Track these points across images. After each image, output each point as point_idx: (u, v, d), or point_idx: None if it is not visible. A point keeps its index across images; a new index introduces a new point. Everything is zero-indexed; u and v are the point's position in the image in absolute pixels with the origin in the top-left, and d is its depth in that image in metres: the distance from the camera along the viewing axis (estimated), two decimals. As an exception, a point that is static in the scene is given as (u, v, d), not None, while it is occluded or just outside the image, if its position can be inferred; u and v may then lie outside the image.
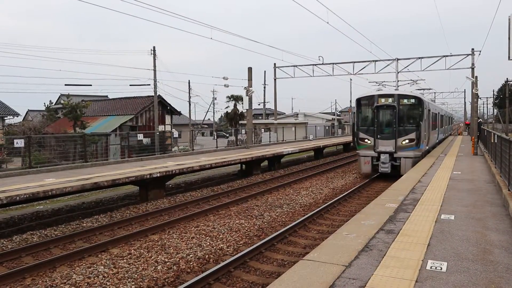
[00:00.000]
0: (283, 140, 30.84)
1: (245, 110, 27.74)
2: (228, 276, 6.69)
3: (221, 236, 8.85)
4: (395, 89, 20.85)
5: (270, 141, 30.21)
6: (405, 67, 29.80)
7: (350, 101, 55.37)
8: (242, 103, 37.23)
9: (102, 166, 14.74)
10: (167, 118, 36.54)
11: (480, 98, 58.88)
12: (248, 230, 9.39)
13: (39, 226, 10.22)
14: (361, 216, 6.91)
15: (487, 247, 5.18)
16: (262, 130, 36.08)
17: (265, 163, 20.76)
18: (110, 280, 6.50)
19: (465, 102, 58.67)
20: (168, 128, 35.08)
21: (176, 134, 24.70)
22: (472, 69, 27.49)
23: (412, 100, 15.90)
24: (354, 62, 31.67)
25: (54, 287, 6.28)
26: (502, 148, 9.71)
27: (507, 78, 49.61)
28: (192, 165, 14.53)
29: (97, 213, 11.40)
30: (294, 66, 33.13)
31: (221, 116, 71.83)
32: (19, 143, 13.59)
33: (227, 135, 48.77)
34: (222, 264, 6.88)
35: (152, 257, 7.52)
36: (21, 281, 6.60)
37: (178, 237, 8.79)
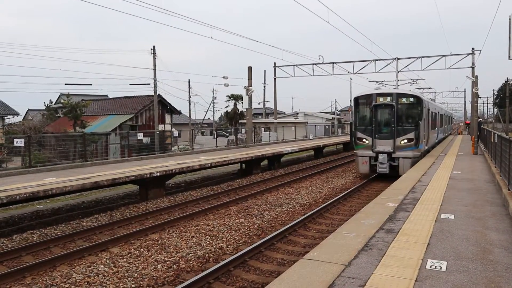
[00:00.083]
0: (283, 139, 30.84)
1: (245, 110, 27.76)
2: (228, 275, 6.69)
3: (221, 235, 8.85)
4: (394, 88, 20.69)
5: (270, 141, 30.21)
6: (405, 67, 29.83)
7: (350, 100, 55.23)
8: (242, 102, 37.30)
9: (102, 165, 14.74)
10: (167, 118, 36.52)
11: (480, 97, 58.93)
12: (248, 229, 9.40)
13: (39, 225, 10.22)
14: (361, 215, 6.91)
15: (487, 247, 5.18)
16: (262, 129, 36.04)
17: (265, 162, 20.76)
18: (110, 279, 6.50)
19: (465, 102, 58.74)
20: (168, 127, 35.07)
21: (176, 133, 24.71)
22: (472, 68, 27.50)
23: (411, 99, 15.57)
24: (354, 61, 31.71)
25: (54, 286, 6.28)
26: (502, 148, 9.71)
27: (507, 78, 49.63)
28: (192, 165, 14.53)
29: (97, 212, 11.40)
30: (294, 65, 33.16)
31: (221, 115, 71.84)
32: (19, 142, 13.59)
33: (227, 134, 48.80)
34: (222, 263, 6.88)
35: (152, 256, 7.52)
36: (21, 280, 6.60)
37: (178, 236, 8.80)
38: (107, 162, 15.83)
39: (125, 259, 7.39)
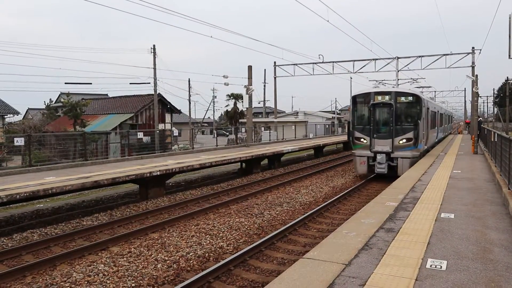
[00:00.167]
0: (283, 138, 30.84)
1: (245, 109, 27.76)
2: (228, 274, 6.69)
3: (221, 235, 8.85)
4: (393, 87, 20.50)
5: (270, 140, 30.23)
6: (405, 66, 29.83)
7: (350, 99, 55.27)
8: (242, 101, 37.26)
9: (102, 165, 14.74)
10: (167, 117, 36.52)
11: (480, 96, 58.85)
12: (248, 228, 9.40)
13: (39, 225, 10.22)
14: (361, 215, 6.92)
15: (487, 246, 5.18)
16: (262, 128, 36.04)
17: (265, 161, 20.77)
18: (110, 278, 6.51)
19: (465, 101, 58.77)
20: (168, 126, 35.07)
21: (176, 132, 24.69)
22: (473, 67, 27.50)
23: (410, 98, 15.23)
24: (354, 60, 31.71)
25: (54, 285, 6.29)
26: (502, 147, 9.71)
27: (507, 77, 49.60)
28: (192, 164, 14.53)
29: (97, 212, 11.41)
30: (294, 64, 33.17)
31: (221, 114, 71.81)
32: (19, 141, 13.59)
33: (227, 133, 48.75)
34: (222, 262, 6.88)
35: (152, 256, 7.53)
36: (22, 279, 6.61)
37: (178, 236, 8.80)
38: (107, 161, 15.83)
39: (125, 258, 7.39)
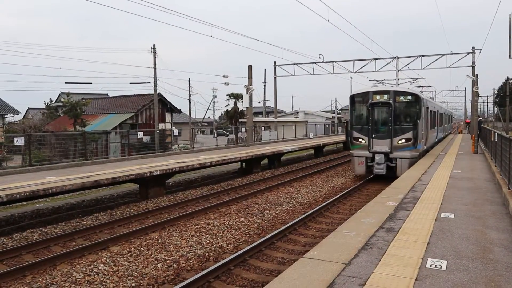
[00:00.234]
0: (283, 138, 30.84)
1: (245, 108, 27.75)
2: (228, 274, 6.69)
3: (221, 234, 8.85)
4: (392, 86, 20.40)
5: (270, 139, 30.22)
6: (406, 65, 29.83)
7: (351, 99, 55.21)
8: (242, 101, 37.23)
9: (102, 164, 14.74)
10: (167, 116, 36.52)
11: (480, 96, 58.87)
12: (248, 228, 9.40)
13: (39, 224, 10.23)
14: (361, 214, 6.92)
15: (487, 246, 5.18)
16: (262, 128, 36.03)
17: (265, 161, 20.77)
18: (110, 278, 6.51)
19: (465, 101, 58.80)
20: (168, 126, 35.07)
21: (176, 132, 24.70)
22: (473, 67, 27.49)
23: (409, 97, 15.02)
24: (355, 60, 31.73)
25: (54, 285, 6.29)
26: (502, 147, 9.71)
27: (507, 77, 49.64)
28: (192, 163, 14.53)
29: (97, 211, 11.41)
30: (294, 64, 33.18)
31: (221, 114, 71.84)
32: (19, 141, 13.59)
33: (227, 133, 48.77)
34: (222, 262, 6.89)
35: (152, 255, 7.53)
36: (22, 279, 6.61)
37: (178, 235, 8.80)
38: (107, 161, 15.83)
39: (125, 258, 7.39)
